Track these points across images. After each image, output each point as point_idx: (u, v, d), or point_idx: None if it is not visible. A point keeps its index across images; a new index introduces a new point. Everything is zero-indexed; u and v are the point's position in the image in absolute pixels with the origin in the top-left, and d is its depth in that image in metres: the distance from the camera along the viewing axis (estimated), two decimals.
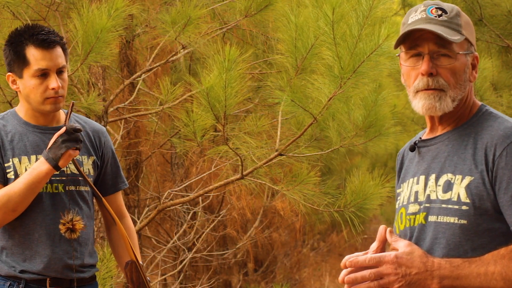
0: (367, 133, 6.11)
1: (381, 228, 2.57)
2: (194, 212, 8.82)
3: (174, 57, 6.84)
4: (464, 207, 2.47)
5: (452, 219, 2.48)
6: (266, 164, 5.99)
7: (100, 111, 6.35)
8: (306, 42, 5.57)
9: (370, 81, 5.65)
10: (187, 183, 8.04)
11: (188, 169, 8.99)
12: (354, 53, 5.38)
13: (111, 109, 6.92)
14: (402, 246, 2.46)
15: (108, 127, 7.22)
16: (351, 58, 5.40)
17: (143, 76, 7.09)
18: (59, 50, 3.60)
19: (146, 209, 8.05)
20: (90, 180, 3.70)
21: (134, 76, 7.00)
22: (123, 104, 7.26)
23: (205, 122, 5.84)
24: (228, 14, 6.96)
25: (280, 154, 5.94)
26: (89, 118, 6.39)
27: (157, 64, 6.83)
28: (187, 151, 7.69)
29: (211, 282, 9.34)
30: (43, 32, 3.58)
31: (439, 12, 2.57)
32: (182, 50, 6.70)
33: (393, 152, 13.49)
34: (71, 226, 3.63)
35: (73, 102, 3.65)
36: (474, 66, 2.62)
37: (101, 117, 6.43)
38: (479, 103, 2.64)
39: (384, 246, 2.57)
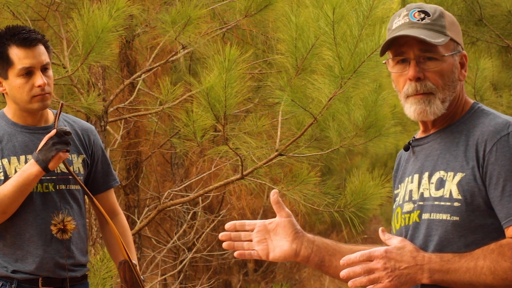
0: (367, 133, 6.11)
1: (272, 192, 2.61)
2: (194, 212, 8.82)
3: (174, 57, 6.84)
4: (456, 204, 2.48)
5: (444, 216, 2.49)
6: (266, 164, 5.99)
7: (100, 111, 6.35)
8: (306, 42, 5.57)
9: (370, 81, 5.65)
10: (187, 183, 8.04)
11: (188, 169, 8.99)
12: (355, 53, 5.38)
13: (111, 109, 6.92)
14: (395, 242, 2.47)
15: (108, 127, 7.22)
16: (351, 58, 5.40)
17: (143, 76, 7.09)
18: (41, 47, 3.60)
19: (146, 209, 8.05)
20: (81, 178, 3.70)
21: (134, 76, 7.00)
22: (123, 104, 7.26)
23: (205, 122, 5.84)
24: (228, 14, 6.96)
25: (280, 154, 5.94)
26: (89, 118, 6.40)
27: (157, 64, 6.83)
28: (187, 151, 7.69)
29: (211, 282, 9.34)
30: (24, 32, 3.58)
31: (422, 16, 2.56)
32: (182, 50, 6.70)
33: (393, 152, 13.49)
34: (63, 227, 3.63)
35: (62, 103, 3.65)
36: (462, 65, 2.60)
37: (101, 117, 6.43)
38: (472, 101, 2.63)
39: (280, 209, 2.62)
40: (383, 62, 2.66)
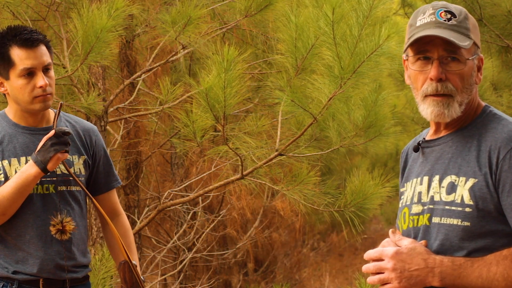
0: (367, 133, 6.10)
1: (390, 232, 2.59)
2: (194, 212, 8.82)
3: (174, 57, 6.84)
4: (467, 209, 2.48)
5: (455, 221, 2.49)
6: (266, 164, 5.99)
7: (100, 111, 6.35)
8: (306, 42, 5.57)
9: (370, 81, 5.65)
10: (187, 183, 8.04)
11: (188, 169, 8.99)
12: (355, 53, 5.38)
13: (111, 109, 6.91)
14: (405, 243, 2.47)
15: (108, 127, 7.22)
16: (351, 58, 5.40)
17: (143, 76, 7.09)
18: (43, 48, 3.59)
19: (146, 209, 8.04)
20: (82, 179, 3.69)
21: (134, 76, 7.00)
22: (123, 104, 7.25)
23: (205, 122, 5.83)
24: (228, 14, 6.96)
25: (280, 154, 5.94)
26: (89, 118, 6.39)
27: (157, 64, 6.82)
28: (187, 151, 7.69)
29: (211, 282, 9.34)
30: (25, 32, 3.57)
31: (448, 16, 2.55)
32: (182, 50, 6.69)
33: (393, 152, 13.50)
34: (61, 228, 3.62)
35: (61, 103, 3.63)
36: (479, 68, 2.61)
37: (101, 117, 6.43)
38: (483, 103, 2.63)
39: None
40: (404, 58, 2.64)
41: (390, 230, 2.53)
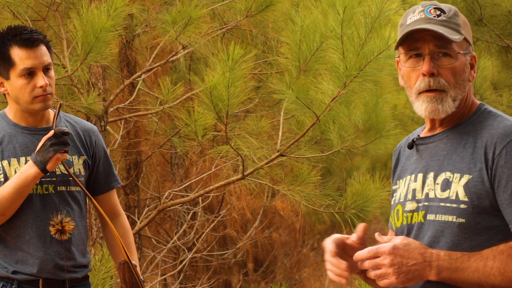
0: (367, 136, 6.11)
1: (360, 225, 2.58)
2: (194, 212, 8.82)
3: (174, 57, 6.84)
4: (462, 206, 2.48)
5: (450, 218, 2.49)
6: (267, 165, 5.99)
7: (100, 111, 6.35)
8: (311, 45, 5.57)
9: (373, 84, 5.65)
10: (187, 183, 8.04)
11: (188, 169, 8.99)
12: (361, 53, 5.38)
13: (111, 109, 6.91)
14: (399, 241, 2.47)
15: (108, 127, 7.22)
16: (357, 58, 5.40)
17: (143, 76, 7.09)
18: (43, 48, 3.59)
19: (146, 209, 8.04)
20: (81, 179, 3.69)
21: (134, 76, 7.00)
22: (123, 104, 7.25)
23: (207, 121, 5.83)
24: (228, 14, 6.96)
25: (282, 155, 5.94)
26: (89, 118, 6.39)
27: (157, 64, 6.82)
28: (187, 151, 7.69)
29: (211, 282, 9.34)
30: (25, 32, 3.57)
31: (438, 12, 2.56)
32: (182, 50, 6.69)
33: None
34: (61, 228, 3.61)
35: (60, 103, 3.63)
36: (472, 66, 2.61)
37: (101, 117, 6.42)
38: (478, 102, 2.64)
39: (364, 242, 2.59)
40: (396, 57, 2.65)
41: (376, 234, 2.51)
